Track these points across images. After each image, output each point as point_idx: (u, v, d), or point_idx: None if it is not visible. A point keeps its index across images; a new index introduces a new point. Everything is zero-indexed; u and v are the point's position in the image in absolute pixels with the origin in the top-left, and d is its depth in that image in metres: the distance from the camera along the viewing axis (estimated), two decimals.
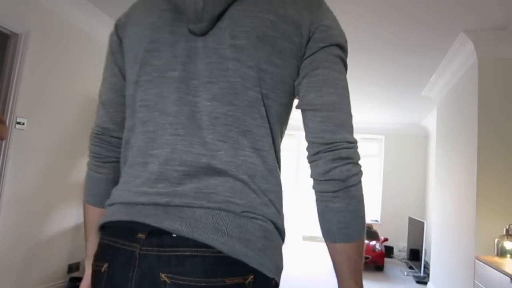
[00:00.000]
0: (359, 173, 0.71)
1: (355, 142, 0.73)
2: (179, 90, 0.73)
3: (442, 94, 4.53)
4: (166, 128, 0.73)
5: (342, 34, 0.78)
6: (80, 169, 3.60)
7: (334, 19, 0.79)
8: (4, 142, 2.72)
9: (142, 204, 0.71)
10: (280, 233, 0.73)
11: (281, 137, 0.80)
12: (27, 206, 3.02)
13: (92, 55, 3.62)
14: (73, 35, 3.36)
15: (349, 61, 4.13)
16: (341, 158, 0.70)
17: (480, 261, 2.83)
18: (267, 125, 0.74)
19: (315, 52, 0.75)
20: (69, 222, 3.49)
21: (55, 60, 3.18)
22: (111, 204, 0.76)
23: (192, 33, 0.75)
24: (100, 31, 3.63)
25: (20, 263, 2.97)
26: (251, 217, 0.68)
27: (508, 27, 3.09)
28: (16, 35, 2.79)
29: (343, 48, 0.77)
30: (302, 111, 0.76)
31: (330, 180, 0.70)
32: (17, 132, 2.85)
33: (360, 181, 0.72)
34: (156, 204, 0.69)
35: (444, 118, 4.50)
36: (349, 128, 0.73)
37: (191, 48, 0.75)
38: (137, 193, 0.72)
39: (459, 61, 3.67)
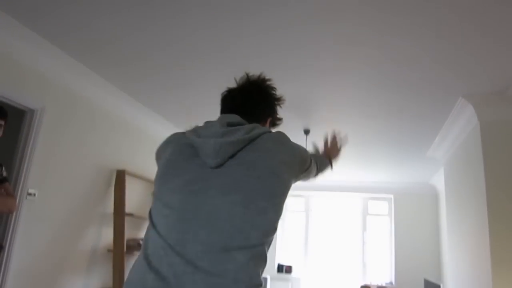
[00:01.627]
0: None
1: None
2: (197, 196, 1.03)
3: (447, 155, 4.54)
4: (191, 221, 1.00)
5: (303, 152, 1.28)
6: (88, 238, 3.59)
7: (300, 150, 1.25)
8: (14, 213, 2.75)
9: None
10: None
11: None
12: (34, 276, 2.98)
13: (99, 123, 3.74)
14: (82, 106, 3.50)
15: (357, 125, 4.23)
16: None
17: None
18: (273, 221, 1.05)
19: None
20: None
21: (66, 132, 3.30)
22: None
23: (208, 165, 1.06)
24: (107, 100, 3.78)
25: None
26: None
27: (506, 90, 3.16)
28: (32, 111, 2.92)
29: (306, 157, 1.29)
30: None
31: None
32: (27, 203, 2.89)
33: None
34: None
35: (451, 179, 4.47)
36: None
37: (205, 173, 1.06)
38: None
39: (461, 124, 3.72)
